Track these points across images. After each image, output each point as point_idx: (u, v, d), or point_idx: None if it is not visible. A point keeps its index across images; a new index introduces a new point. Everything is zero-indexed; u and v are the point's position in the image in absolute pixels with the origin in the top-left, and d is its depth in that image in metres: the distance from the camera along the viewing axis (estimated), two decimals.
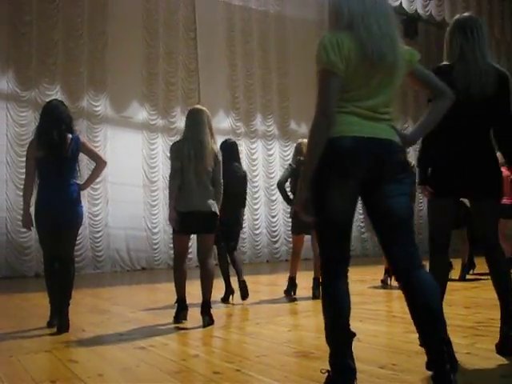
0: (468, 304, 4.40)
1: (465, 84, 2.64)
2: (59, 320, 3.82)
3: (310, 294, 5.22)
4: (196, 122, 4.09)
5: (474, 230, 2.94)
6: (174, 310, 4.12)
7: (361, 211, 10.41)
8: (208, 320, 3.90)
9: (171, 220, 4.05)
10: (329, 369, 2.03)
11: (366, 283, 6.49)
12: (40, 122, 4.04)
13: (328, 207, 1.99)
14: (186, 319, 4.11)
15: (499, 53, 13.50)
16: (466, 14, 2.88)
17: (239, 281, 5.21)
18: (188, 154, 3.99)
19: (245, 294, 5.19)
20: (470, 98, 2.63)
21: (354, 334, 2.06)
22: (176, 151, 4.08)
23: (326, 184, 1.97)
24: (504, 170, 8.84)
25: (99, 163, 4.17)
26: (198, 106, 4.41)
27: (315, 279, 5.25)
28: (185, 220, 3.98)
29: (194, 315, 4.09)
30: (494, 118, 2.75)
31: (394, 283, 6.06)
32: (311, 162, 1.97)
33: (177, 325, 4.00)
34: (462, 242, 6.65)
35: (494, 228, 2.84)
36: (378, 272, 6.57)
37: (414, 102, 13.86)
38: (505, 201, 7.48)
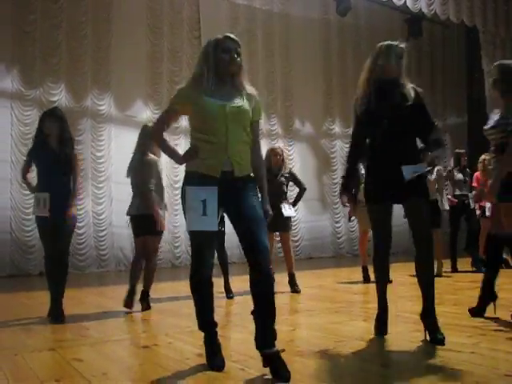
0: (473, 303, 4.39)
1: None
2: (55, 310, 4.06)
3: (313, 292, 5.22)
4: (142, 136, 4.76)
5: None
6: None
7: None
8: (146, 306, 4.71)
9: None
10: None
11: (367, 282, 6.47)
12: (44, 126, 4.26)
13: None
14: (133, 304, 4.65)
15: (505, 51, 13.41)
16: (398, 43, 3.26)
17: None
18: (133, 166, 4.71)
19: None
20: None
21: None
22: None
23: None
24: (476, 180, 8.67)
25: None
26: (146, 123, 5.07)
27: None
28: (133, 223, 4.73)
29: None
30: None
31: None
32: None
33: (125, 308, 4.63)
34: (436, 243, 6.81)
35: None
36: None
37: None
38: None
